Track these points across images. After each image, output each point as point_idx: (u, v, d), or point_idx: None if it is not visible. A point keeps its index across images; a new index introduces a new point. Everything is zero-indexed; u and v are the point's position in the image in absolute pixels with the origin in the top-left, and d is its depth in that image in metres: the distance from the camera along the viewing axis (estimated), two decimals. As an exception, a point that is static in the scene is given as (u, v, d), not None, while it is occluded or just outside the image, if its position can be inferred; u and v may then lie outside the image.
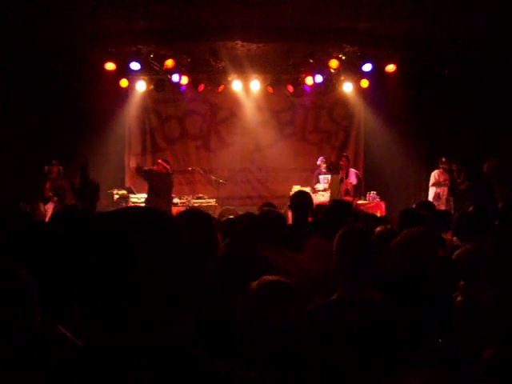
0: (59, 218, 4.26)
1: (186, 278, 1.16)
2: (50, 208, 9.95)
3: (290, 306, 2.24)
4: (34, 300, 2.41)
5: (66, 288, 2.45)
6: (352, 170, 11.16)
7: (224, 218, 4.45)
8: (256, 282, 2.31)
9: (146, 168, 10.95)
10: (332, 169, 10.73)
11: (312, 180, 11.60)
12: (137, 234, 1.14)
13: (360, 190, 11.28)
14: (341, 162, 10.95)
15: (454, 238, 4.95)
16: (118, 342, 1.11)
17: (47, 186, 10.19)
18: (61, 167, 10.35)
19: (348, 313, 2.40)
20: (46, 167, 10.19)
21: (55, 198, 10.00)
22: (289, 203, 5.32)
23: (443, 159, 11.11)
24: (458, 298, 3.15)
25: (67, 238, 2.78)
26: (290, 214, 9.89)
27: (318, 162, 11.55)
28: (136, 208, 1.27)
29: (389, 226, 4.11)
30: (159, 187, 10.54)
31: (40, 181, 10.13)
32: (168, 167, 10.80)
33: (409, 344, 2.34)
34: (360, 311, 2.40)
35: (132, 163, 12.09)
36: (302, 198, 5.04)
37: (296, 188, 10.86)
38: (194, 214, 2.90)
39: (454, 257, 3.32)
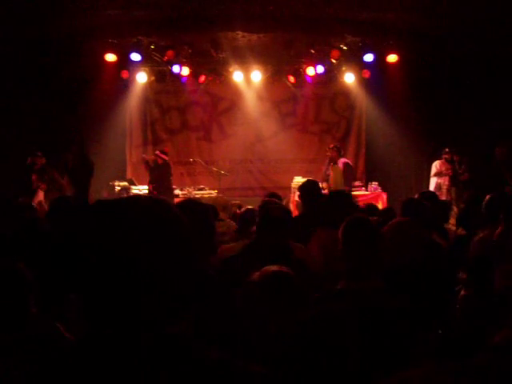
0: (56, 209, 4.27)
1: (188, 270, 1.14)
2: (41, 197, 9.66)
3: (292, 296, 2.24)
4: (31, 293, 2.41)
5: (64, 281, 2.45)
6: (341, 160, 11.01)
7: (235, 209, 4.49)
8: (257, 273, 2.31)
9: (149, 161, 10.95)
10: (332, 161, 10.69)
11: (322, 168, 11.28)
12: (140, 221, 1.10)
13: (352, 179, 11.08)
14: (329, 154, 10.83)
15: (459, 229, 4.92)
16: (116, 339, 1.08)
17: (33, 178, 9.75)
18: (45, 159, 9.89)
19: (352, 302, 2.39)
20: (30, 159, 9.75)
21: (43, 185, 9.66)
22: (293, 194, 5.29)
23: (446, 149, 11.06)
24: (462, 292, 3.14)
25: (65, 229, 2.78)
26: (291, 206, 9.91)
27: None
28: (139, 196, 1.23)
29: (375, 218, 4.09)
30: (159, 178, 10.56)
31: (25, 173, 9.72)
32: (166, 158, 10.80)
33: (412, 334, 2.33)
34: (364, 300, 2.40)
35: (133, 157, 11.96)
36: (311, 189, 4.98)
37: (298, 179, 10.81)
38: (191, 205, 2.89)
39: (471, 247, 3.30)
